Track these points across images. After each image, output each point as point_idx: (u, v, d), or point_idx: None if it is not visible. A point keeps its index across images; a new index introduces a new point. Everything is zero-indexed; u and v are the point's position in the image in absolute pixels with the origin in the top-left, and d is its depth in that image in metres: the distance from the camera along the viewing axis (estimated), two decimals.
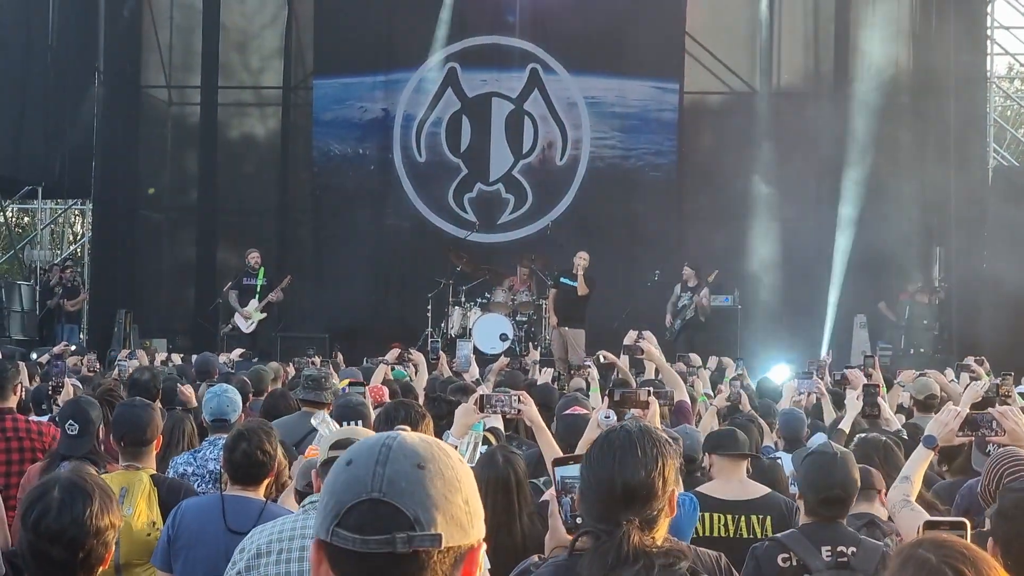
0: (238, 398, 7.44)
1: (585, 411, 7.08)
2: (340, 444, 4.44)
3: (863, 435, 6.62)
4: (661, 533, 3.27)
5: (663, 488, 3.27)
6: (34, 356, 14.67)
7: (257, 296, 19.38)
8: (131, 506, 5.66)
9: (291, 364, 13.59)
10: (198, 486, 6.54)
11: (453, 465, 1.91)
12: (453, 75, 21.61)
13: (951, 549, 2.62)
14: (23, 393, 8.51)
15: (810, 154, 20.47)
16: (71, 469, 3.52)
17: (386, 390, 9.15)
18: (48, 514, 3.21)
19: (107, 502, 3.31)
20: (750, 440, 6.94)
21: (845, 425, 7.67)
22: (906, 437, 6.97)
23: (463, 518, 1.89)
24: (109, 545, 3.34)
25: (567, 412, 7.20)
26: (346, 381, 9.04)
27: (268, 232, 22.20)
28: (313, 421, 6.10)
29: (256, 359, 16.97)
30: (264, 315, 19.44)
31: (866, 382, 8.07)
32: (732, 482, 6.34)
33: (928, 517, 4.70)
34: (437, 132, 21.67)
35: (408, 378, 10.99)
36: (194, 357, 13.61)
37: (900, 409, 10.05)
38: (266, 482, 5.56)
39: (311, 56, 22.51)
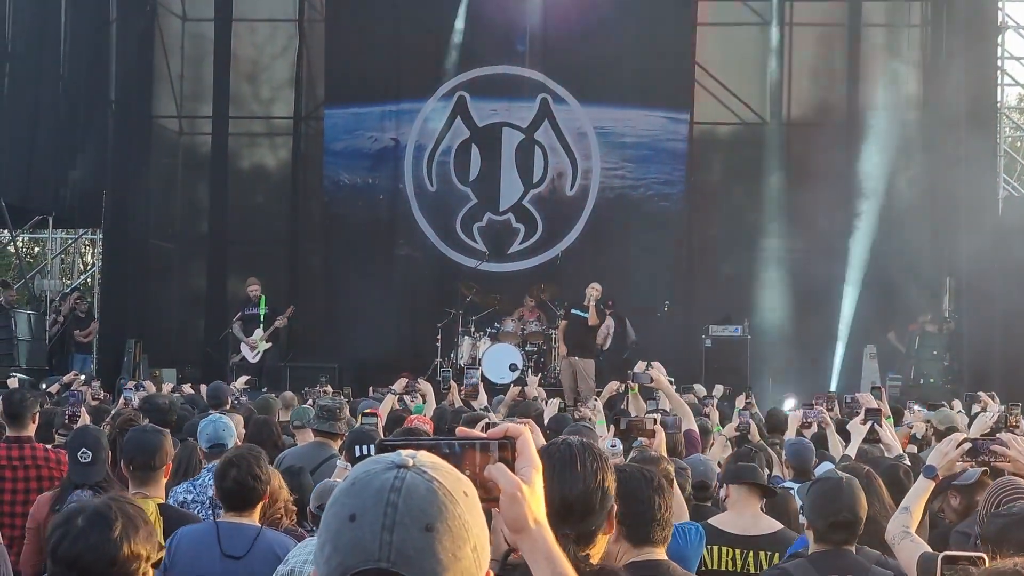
0: (232, 424, 7.53)
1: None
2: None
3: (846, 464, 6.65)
4: (598, 550, 3.23)
5: (601, 503, 3.23)
6: (43, 386, 14.76)
7: (261, 326, 19.48)
8: None
9: (302, 394, 13.66)
10: (198, 513, 6.60)
11: (460, 512, 1.87)
12: (463, 104, 21.73)
13: None
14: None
15: (820, 185, 20.52)
16: (109, 496, 3.46)
17: (431, 421, 9.16)
18: (65, 540, 3.21)
19: (131, 531, 3.22)
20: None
21: (851, 451, 7.71)
22: (908, 464, 7.01)
23: (472, 568, 1.87)
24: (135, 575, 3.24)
25: None
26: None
27: (278, 262, 22.30)
28: (338, 463, 6.22)
29: (265, 389, 17.07)
30: (269, 345, 19.54)
31: (871, 407, 8.11)
32: (745, 516, 6.34)
33: (927, 549, 4.76)
34: (447, 161, 21.76)
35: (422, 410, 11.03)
36: (203, 387, 13.68)
37: (913, 440, 10.09)
38: (260, 506, 5.64)
39: (322, 86, 22.67)
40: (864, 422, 7.78)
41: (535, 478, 2.08)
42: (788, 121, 21.98)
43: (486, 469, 2.04)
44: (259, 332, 19.44)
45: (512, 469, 2.05)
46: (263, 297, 19.68)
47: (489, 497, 2.01)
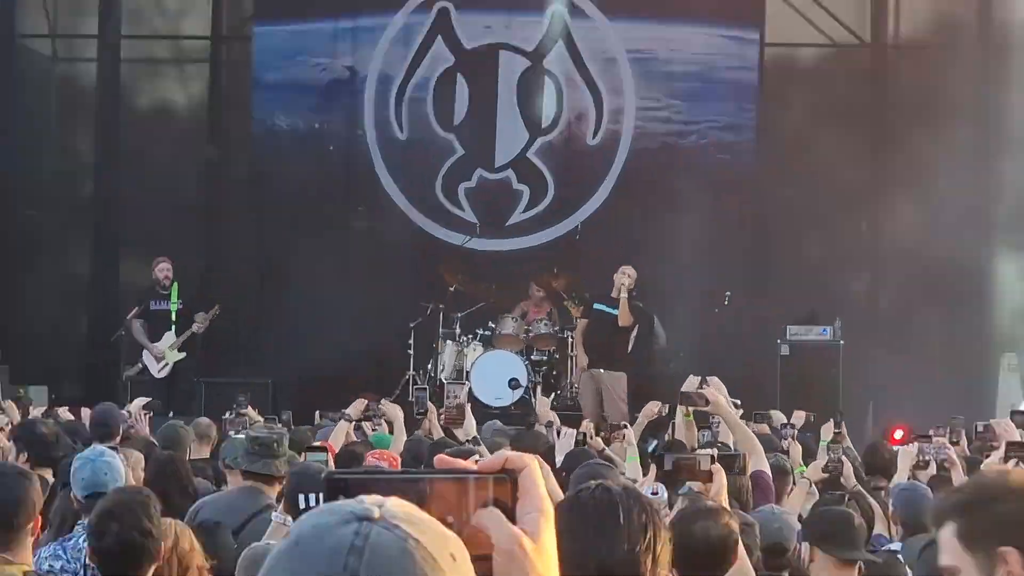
0: (118, 463, 7.49)
1: None
2: None
3: None
4: None
5: (652, 569, 3.29)
6: None
7: (173, 327, 19.43)
8: None
9: (222, 422, 13.68)
10: None
11: (437, 569, 1.90)
12: (445, 19, 21.70)
13: None
14: None
15: (944, 129, 20.52)
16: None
17: (398, 459, 9.19)
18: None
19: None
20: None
21: None
22: None
23: None
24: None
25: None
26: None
27: (190, 236, 22.26)
28: (274, 517, 6.25)
29: (172, 414, 17.05)
30: (183, 355, 19.47)
31: (1013, 439, 8.14)
32: None
33: None
34: (423, 98, 21.75)
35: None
36: (85, 411, 13.67)
37: None
38: (152, 571, 5.69)
39: None
40: (1005, 460, 7.80)
41: (544, 528, 2.07)
42: (896, 42, 21.95)
43: (475, 515, 2.03)
44: (169, 336, 19.40)
45: (511, 516, 2.04)
46: (176, 284, 19.63)
47: (478, 555, 1.99)
